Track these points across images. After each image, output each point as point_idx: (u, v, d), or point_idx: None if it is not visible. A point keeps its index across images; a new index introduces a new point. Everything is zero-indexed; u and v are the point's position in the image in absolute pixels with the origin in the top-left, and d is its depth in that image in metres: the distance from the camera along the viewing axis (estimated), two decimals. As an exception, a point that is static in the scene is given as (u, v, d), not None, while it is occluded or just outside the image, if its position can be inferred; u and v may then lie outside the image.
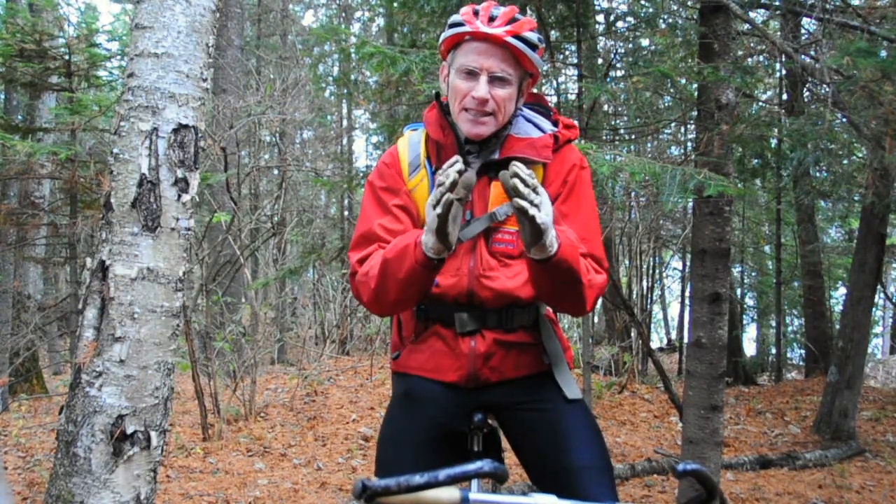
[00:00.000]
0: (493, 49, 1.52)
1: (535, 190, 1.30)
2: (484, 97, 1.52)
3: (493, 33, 1.50)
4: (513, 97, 1.57)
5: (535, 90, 1.75)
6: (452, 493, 0.95)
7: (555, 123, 1.67)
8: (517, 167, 1.29)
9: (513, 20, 1.52)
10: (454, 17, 1.56)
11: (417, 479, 0.92)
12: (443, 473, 0.93)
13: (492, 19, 1.52)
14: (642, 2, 4.74)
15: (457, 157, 1.33)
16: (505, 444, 1.73)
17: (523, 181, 1.29)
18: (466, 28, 1.52)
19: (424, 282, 1.49)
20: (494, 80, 1.53)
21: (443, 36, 1.60)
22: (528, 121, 1.67)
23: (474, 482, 1.50)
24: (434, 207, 1.33)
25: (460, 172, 1.31)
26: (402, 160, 1.66)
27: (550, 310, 1.70)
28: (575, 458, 1.53)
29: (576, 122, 1.72)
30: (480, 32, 1.51)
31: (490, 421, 1.66)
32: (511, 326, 1.59)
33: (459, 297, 1.58)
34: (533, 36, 1.54)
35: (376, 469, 1.63)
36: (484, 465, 0.95)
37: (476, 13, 1.53)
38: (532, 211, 1.29)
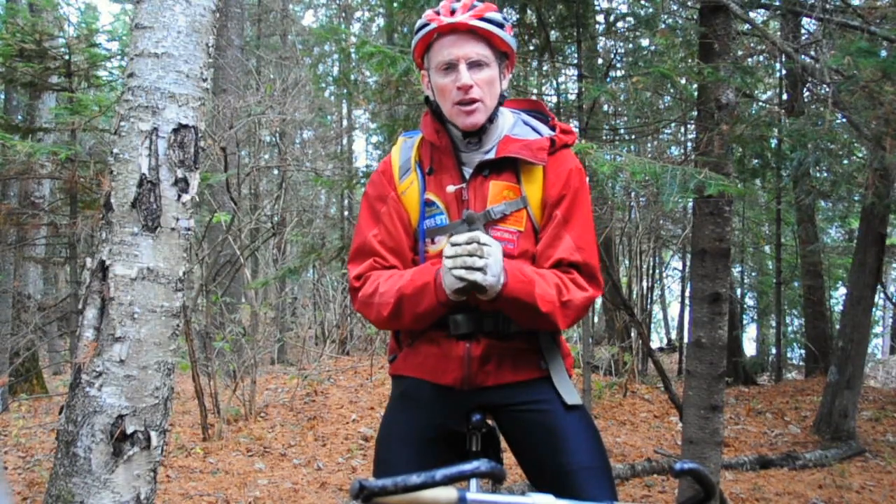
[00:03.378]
0: (463, 37, 1.56)
1: (473, 253, 1.41)
2: (467, 83, 1.55)
3: (458, 21, 1.55)
4: (495, 79, 1.60)
5: (535, 93, 1.77)
6: (450, 493, 0.95)
7: (552, 129, 1.69)
8: (451, 241, 1.43)
9: (472, 7, 1.57)
10: (418, 23, 1.61)
11: (414, 479, 0.92)
12: (439, 473, 0.93)
13: (452, 12, 1.56)
14: (642, 2, 4.73)
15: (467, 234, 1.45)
16: (504, 444, 1.73)
17: (455, 254, 1.41)
18: (432, 26, 1.57)
19: (442, 314, 1.56)
20: (473, 65, 1.57)
21: (413, 43, 1.64)
22: (527, 124, 1.69)
23: (473, 482, 1.50)
24: (455, 275, 1.43)
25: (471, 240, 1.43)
26: (394, 165, 1.70)
27: None
28: (573, 459, 1.53)
29: (574, 129, 1.74)
30: (446, 25, 1.55)
31: (488, 421, 1.66)
32: (507, 332, 1.60)
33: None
34: (497, 16, 1.58)
35: (374, 469, 1.63)
36: (481, 464, 0.95)
37: (437, 12, 1.58)
38: (473, 276, 1.41)
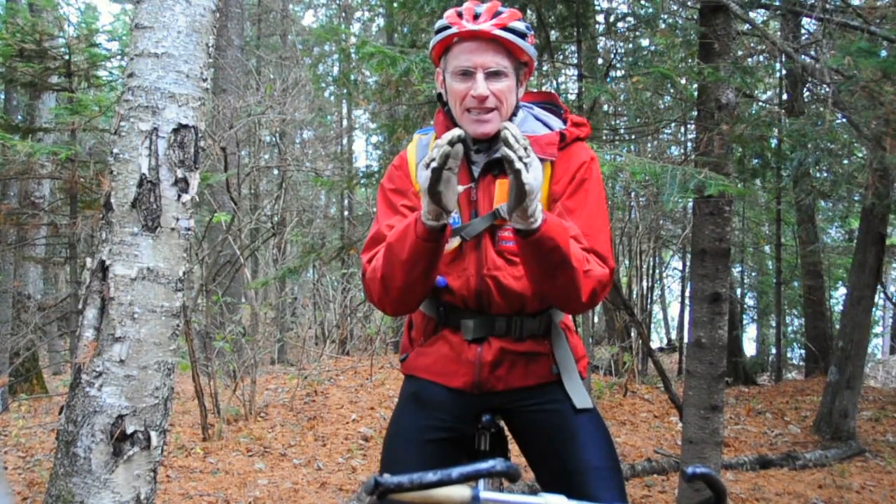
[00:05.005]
0: (484, 45, 1.52)
1: (525, 150, 1.31)
2: (483, 94, 1.51)
3: (481, 29, 1.50)
4: (512, 89, 1.56)
5: (536, 90, 1.75)
6: (463, 491, 0.95)
7: (565, 122, 1.66)
8: (510, 126, 1.31)
9: (497, 13, 1.53)
10: (440, 23, 1.57)
11: (430, 476, 0.92)
12: (456, 471, 0.93)
13: (476, 17, 1.52)
14: (642, 2, 4.73)
15: (455, 129, 1.35)
16: (511, 444, 1.72)
17: (515, 137, 1.30)
18: (454, 30, 1.52)
19: (428, 259, 1.47)
20: (491, 75, 1.53)
21: (431, 42, 1.59)
22: (538, 119, 1.66)
23: (481, 481, 1.49)
24: (427, 167, 1.34)
25: (460, 138, 1.33)
26: (410, 162, 1.67)
27: (569, 317, 1.68)
28: (583, 459, 1.52)
29: (587, 120, 1.70)
30: (468, 31, 1.51)
31: (498, 421, 1.66)
32: (520, 335, 1.58)
33: (468, 298, 1.57)
34: (520, 25, 1.53)
35: (381, 467, 1.62)
36: (496, 463, 0.94)
37: (460, 14, 1.53)
38: (518, 165, 1.29)
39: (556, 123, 1.65)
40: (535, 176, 1.32)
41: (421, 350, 1.66)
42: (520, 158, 1.29)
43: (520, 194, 1.32)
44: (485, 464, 0.94)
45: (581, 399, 1.58)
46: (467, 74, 1.53)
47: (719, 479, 1.01)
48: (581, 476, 1.50)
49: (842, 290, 12.29)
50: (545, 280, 1.47)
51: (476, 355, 1.57)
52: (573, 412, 1.58)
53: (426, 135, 1.72)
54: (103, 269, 1.99)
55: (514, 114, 1.61)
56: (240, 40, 9.82)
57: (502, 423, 1.68)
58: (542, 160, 1.56)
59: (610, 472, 1.53)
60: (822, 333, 9.03)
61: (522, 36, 1.53)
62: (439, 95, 1.67)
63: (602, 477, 1.51)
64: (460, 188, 1.57)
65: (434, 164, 1.33)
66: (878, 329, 14.86)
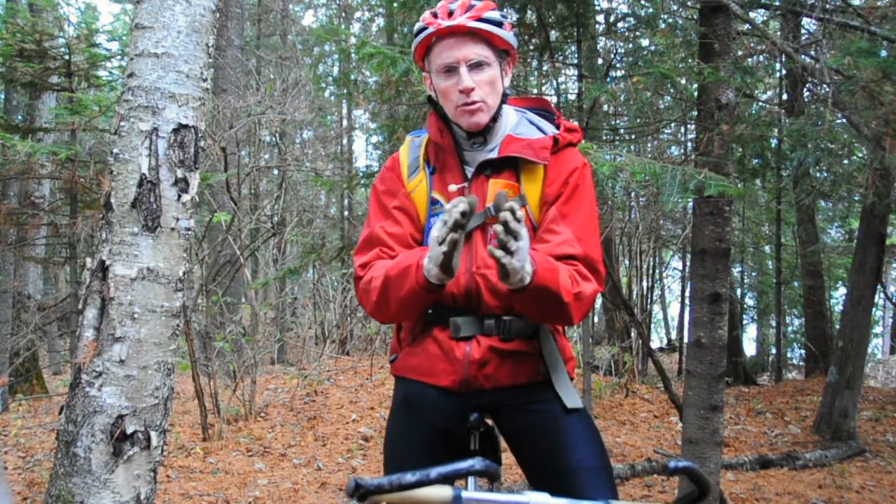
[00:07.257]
0: (462, 39, 1.55)
1: (515, 236, 1.30)
2: (469, 87, 1.55)
3: (457, 24, 1.54)
4: (497, 78, 1.59)
5: (535, 92, 1.76)
6: (445, 491, 0.95)
7: (557, 127, 1.69)
8: (516, 206, 1.29)
9: (470, 7, 1.56)
10: (417, 26, 1.60)
11: (409, 477, 0.93)
12: (434, 472, 0.94)
13: (450, 14, 1.55)
14: (642, 2, 4.73)
15: (459, 198, 1.32)
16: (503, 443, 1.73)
17: (506, 226, 1.29)
18: (430, 29, 1.56)
19: (424, 301, 1.52)
20: (473, 67, 1.56)
21: (412, 46, 1.63)
22: (532, 123, 1.68)
23: (471, 481, 1.50)
24: (439, 244, 1.35)
25: (464, 213, 1.30)
26: (402, 163, 1.70)
27: None
28: (573, 458, 1.53)
29: (579, 127, 1.73)
30: (444, 28, 1.54)
31: (487, 420, 1.66)
32: (508, 336, 1.59)
33: (458, 297, 1.58)
34: (495, 14, 1.57)
35: (384, 473, 1.63)
36: (475, 462, 0.95)
37: (435, 14, 1.57)
38: (505, 260, 1.31)
39: (550, 128, 1.68)
40: (519, 258, 1.34)
41: (410, 350, 1.67)
42: (507, 250, 1.30)
43: (504, 274, 1.37)
44: (464, 463, 0.95)
45: (571, 399, 1.59)
46: (451, 70, 1.57)
47: (702, 473, 1.01)
48: (572, 475, 1.51)
49: (842, 290, 12.29)
50: (539, 316, 1.54)
51: (464, 353, 1.58)
52: (563, 412, 1.58)
53: (418, 137, 1.75)
54: (103, 269, 1.99)
55: (503, 102, 1.64)
56: (240, 40, 9.82)
57: (491, 423, 1.68)
58: (534, 163, 1.60)
59: (601, 471, 1.53)
60: (822, 333, 9.03)
61: (498, 24, 1.57)
62: (429, 98, 1.70)
63: (593, 476, 1.51)
64: (454, 187, 1.61)
65: (444, 249, 1.34)
66: (878, 329, 14.87)
